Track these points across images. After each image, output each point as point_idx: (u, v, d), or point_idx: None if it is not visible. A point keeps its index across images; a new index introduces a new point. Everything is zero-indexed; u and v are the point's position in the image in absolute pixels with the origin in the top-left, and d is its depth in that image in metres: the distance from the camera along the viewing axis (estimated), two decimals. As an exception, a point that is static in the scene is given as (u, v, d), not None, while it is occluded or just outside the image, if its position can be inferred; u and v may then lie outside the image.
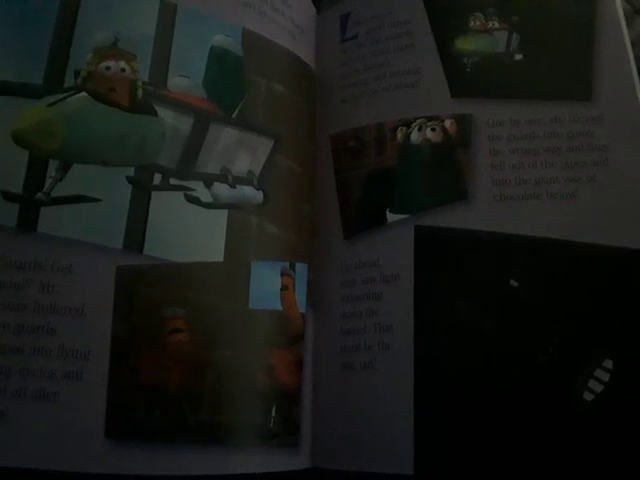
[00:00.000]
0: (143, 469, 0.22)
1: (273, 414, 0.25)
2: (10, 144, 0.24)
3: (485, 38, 0.31)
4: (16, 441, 0.22)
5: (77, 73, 0.25)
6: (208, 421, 0.24)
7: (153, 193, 0.25)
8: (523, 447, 0.25)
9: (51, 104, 0.24)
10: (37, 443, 0.22)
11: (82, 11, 0.25)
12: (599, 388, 0.25)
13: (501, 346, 0.26)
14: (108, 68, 0.25)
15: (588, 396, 0.25)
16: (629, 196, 0.27)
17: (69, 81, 0.25)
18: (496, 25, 0.31)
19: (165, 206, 0.25)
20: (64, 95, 0.25)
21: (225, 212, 0.26)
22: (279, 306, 0.27)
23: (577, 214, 0.28)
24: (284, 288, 0.28)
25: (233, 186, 0.27)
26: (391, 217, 0.29)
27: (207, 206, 0.26)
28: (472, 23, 0.32)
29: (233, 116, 0.28)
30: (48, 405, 0.22)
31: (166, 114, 0.26)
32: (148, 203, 0.25)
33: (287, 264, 0.28)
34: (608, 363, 0.25)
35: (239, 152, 0.28)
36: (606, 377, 0.25)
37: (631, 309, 0.26)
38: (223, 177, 0.27)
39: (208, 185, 0.26)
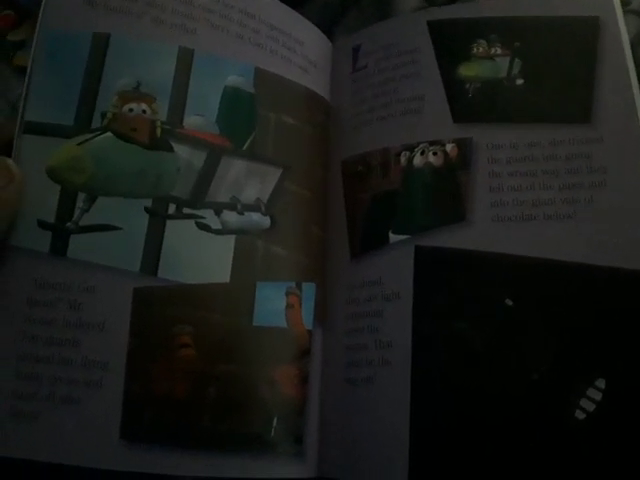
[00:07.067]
0: (152, 468, 0.25)
1: (274, 424, 0.28)
2: (45, 178, 0.27)
3: (488, 64, 0.32)
4: (47, 439, 0.25)
5: (104, 115, 0.28)
6: (210, 428, 0.27)
7: (168, 221, 0.28)
8: (517, 465, 0.26)
9: (80, 143, 0.28)
10: (63, 441, 0.25)
11: (108, 60, 0.28)
12: (591, 407, 0.26)
13: (495, 364, 0.27)
14: (131, 110, 0.29)
15: (580, 415, 0.26)
16: (627, 218, 0.28)
17: (96, 122, 0.28)
18: (499, 51, 0.33)
19: (178, 233, 0.28)
20: (92, 135, 0.28)
21: (233, 237, 0.29)
22: (283, 323, 0.29)
23: (574, 235, 0.28)
24: (289, 306, 0.30)
25: (241, 213, 0.30)
26: (393, 237, 0.31)
27: (216, 232, 0.29)
28: (475, 50, 0.33)
29: (244, 148, 0.31)
30: (73, 408, 0.25)
31: (181, 150, 0.29)
32: (163, 231, 0.28)
33: (293, 284, 0.30)
34: (601, 382, 0.26)
35: (248, 181, 0.30)
36: (598, 396, 0.26)
37: (624, 329, 0.27)
38: (232, 205, 0.29)
39: (218, 213, 0.29)
